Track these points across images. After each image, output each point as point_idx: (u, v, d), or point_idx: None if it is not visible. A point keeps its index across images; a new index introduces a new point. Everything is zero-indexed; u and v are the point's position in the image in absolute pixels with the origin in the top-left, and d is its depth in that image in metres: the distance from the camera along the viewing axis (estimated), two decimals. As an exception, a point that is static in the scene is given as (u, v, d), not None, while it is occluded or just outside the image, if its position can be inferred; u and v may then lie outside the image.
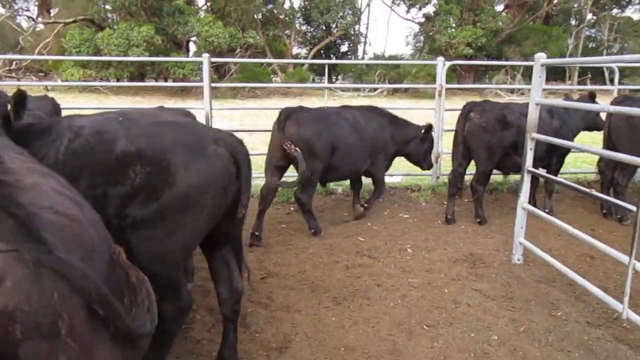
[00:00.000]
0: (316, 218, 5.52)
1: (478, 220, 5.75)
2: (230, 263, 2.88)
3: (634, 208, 2.88)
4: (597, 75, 32.03)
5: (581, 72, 32.58)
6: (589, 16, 36.62)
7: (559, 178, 4.15)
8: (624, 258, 2.98)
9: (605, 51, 36.61)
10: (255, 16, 31.88)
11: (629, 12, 39.85)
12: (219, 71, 31.92)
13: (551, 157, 5.71)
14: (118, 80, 27.00)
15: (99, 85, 22.12)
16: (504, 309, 3.78)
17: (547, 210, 5.81)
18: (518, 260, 4.52)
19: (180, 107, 5.50)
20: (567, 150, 5.89)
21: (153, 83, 28.16)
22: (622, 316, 2.99)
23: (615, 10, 38.37)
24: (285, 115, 5.21)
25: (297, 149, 4.99)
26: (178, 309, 2.55)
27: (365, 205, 6.04)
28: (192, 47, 31.71)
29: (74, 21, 27.92)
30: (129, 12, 27.39)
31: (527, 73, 30.49)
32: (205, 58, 6.55)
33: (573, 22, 37.41)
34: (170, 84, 20.72)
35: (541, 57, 4.01)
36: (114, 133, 2.31)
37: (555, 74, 34.76)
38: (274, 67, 31.52)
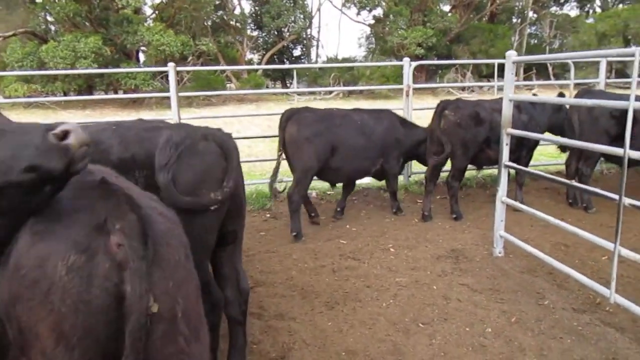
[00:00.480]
0: (301, 221, 5.52)
1: (454, 216, 5.88)
2: (236, 263, 2.88)
3: (616, 197, 3.02)
4: (541, 70, 33.52)
5: (526, 68, 33.92)
6: (531, 14, 38.24)
7: (538, 172, 4.29)
8: (609, 245, 3.12)
9: (547, 47, 38.26)
10: (206, 23, 31.49)
11: (567, 9, 41.91)
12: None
13: (521, 151, 5.92)
14: (65, 94, 25.99)
15: (45, 101, 21.23)
16: (493, 302, 3.87)
17: (517, 202, 6.00)
18: (499, 253, 4.65)
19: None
20: (535, 144, 6.12)
21: (123, 95, 26.78)
22: (610, 301, 3.13)
23: (554, 8, 40.25)
24: (287, 116, 5.51)
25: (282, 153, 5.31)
26: (211, 304, 2.66)
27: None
28: (142, 57, 31.00)
29: (14, 34, 26.73)
30: (74, 23, 26.43)
31: (476, 71, 31.56)
32: (170, 67, 6.41)
33: (516, 21, 38.88)
34: (133, 95, 20.01)
35: (512, 55, 4.15)
36: (108, 142, 2.36)
37: (500, 70, 36.06)
38: (228, 73, 31.24)
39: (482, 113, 5.57)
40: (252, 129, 12.98)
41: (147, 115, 21.47)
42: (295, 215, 5.44)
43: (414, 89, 7.49)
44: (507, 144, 4.34)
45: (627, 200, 2.95)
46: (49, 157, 1.50)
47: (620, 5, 37.44)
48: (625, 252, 3.03)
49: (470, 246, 5.05)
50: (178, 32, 28.01)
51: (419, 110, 7.76)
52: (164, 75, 28.54)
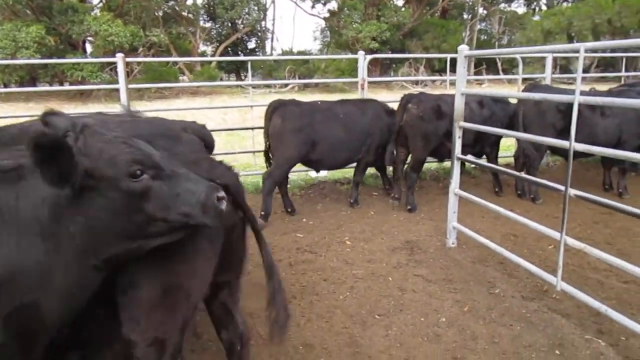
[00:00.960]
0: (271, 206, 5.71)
1: (409, 207, 5.97)
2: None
3: (562, 188, 3.13)
4: (491, 66, 34.54)
5: (477, 63, 34.87)
6: (481, 10, 39.30)
7: (489, 164, 4.41)
8: (555, 234, 3.24)
9: (496, 43, 39.45)
10: (157, 13, 30.61)
11: (515, 6, 43.35)
12: (119, 71, 30.37)
13: (483, 146, 6.13)
14: (6, 86, 24.66)
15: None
16: (447, 292, 3.96)
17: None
18: (452, 243, 4.75)
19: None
20: (498, 138, 6.31)
21: (70, 87, 25.53)
22: (557, 288, 3.25)
23: (503, 5, 41.54)
24: (274, 107, 5.77)
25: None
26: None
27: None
28: (89, 48, 29.81)
29: (-53, 22, 25.13)
30: (13, 11, 25.06)
31: (429, 65, 32.16)
32: (119, 58, 6.18)
33: (467, 17, 39.86)
34: (81, 87, 19.10)
35: (464, 49, 4.23)
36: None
37: (452, 65, 36.89)
38: (181, 66, 30.53)
39: (444, 107, 5.69)
40: (207, 123, 12.71)
41: (97, 108, 20.73)
42: (267, 198, 5.64)
43: (369, 82, 7.54)
44: (459, 137, 4.42)
45: (572, 191, 3.06)
46: (207, 214, 1.79)
47: (565, 4, 39.04)
48: (571, 242, 3.15)
49: (424, 237, 5.14)
50: (127, 22, 27.14)
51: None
52: (113, 67, 27.61)
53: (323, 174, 8.14)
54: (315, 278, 4.28)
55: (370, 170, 7.60)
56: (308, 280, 4.24)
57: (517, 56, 7.63)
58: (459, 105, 4.34)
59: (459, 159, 4.47)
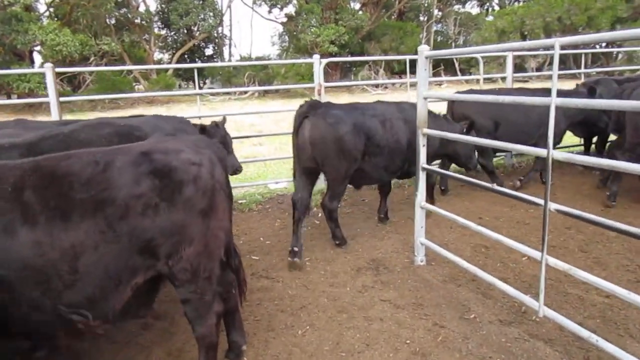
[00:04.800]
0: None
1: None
2: None
3: (541, 202, 2.78)
4: (448, 66, 34.86)
5: (435, 64, 35.13)
6: (436, 12, 39.73)
7: (458, 175, 4.04)
8: (536, 254, 2.88)
9: (452, 44, 39.92)
10: (108, 21, 29.50)
11: (469, 7, 44.07)
12: (72, 82, 29.10)
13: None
14: (-54, 100, 23.11)
15: None
16: (418, 318, 3.56)
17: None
18: (421, 261, 4.37)
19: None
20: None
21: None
22: (539, 314, 2.89)
23: (457, 6, 42.14)
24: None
25: None
26: None
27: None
28: (39, 58, 28.45)
29: None
30: (-47, 21, 23.67)
31: (388, 68, 32.17)
32: (48, 68, 5.55)
33: (423, 18, 40.21)
34: (11, 101, 18.00)
35: (425, 50, 3.86)
36: None
37: (412, 66, 37.06)
38: (136, 74, 29.49)
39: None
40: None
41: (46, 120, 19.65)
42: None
43: (328, 87, 7.15)
44: (423, 145, 4.05)
45: (552, 206, 2.72)
46: None
47: (516, 3, 39.85)
48: (553, 262, 2.80)
49: (390, 254, 4.74)
50: (77, 30, 26.00)
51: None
52: (63, 78, 26.49)
53: (282, 185, 7.69)
54: (271, 309, 3.81)
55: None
56: (263, 312, 3.77)
57: (477, 55, 7.41)
58: (422, 110, 3.96)
59: (424, 169, 4.10)
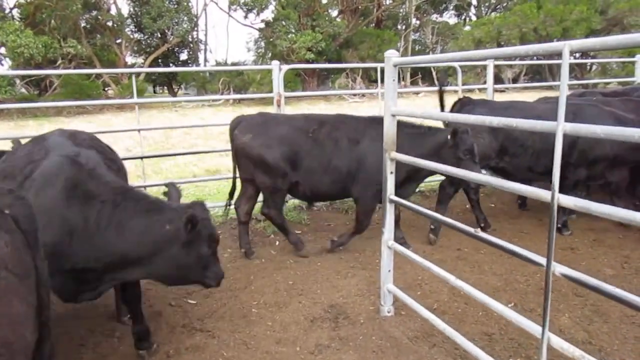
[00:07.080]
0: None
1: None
2: None
3: (542, 261, 2.06)
4: (426, 76, 34.58)
5: (413, 73, 34.84)
6: (414, 21, 39.54)
7: (424, 209, 3.30)
8: (536, 328, 2.16)
9: (430, 53, 39.70)
10: (79, 24, 28.32)
11: (446, 17, 44.07)
12: (39, 86, 27.83)
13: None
14: None
15: None
16: (381, 395, 2.81)
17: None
18: (388, 312, 3.62)
19: None
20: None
21: None
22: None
23: (435, 16, 42.09)
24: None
25: None
26: None
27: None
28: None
29: None
30: None
31: (366, 76, 31.65)
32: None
33: (401, 27, 40.00)
34: None
35: (393, 56, 3.13)
36: None
37: (383, 75, 36.68)
38: (106, 79, 28.34)
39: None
40: (126, 142, 11.06)
41: (7, 126, 18.50)
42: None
43: (289, 96, 6.41)
44: (391, 173, 3.32)
45: (557, 268, 2.00)
46: None
47: (493, 14, 39.90)
48: (556, 341, 2.08)
49: (353, 299, 3.97)
50: (42, 32, 24.83)
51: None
52: (28, 80, 25.32)
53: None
54: (199, 379, 3.02)
55: (294, 202, 6.43)
56: (188, 384, 2.97)
57: (456, 64, 6.79)
58: (389, 129, 3.23)
59: (391, 201, 3.36)
